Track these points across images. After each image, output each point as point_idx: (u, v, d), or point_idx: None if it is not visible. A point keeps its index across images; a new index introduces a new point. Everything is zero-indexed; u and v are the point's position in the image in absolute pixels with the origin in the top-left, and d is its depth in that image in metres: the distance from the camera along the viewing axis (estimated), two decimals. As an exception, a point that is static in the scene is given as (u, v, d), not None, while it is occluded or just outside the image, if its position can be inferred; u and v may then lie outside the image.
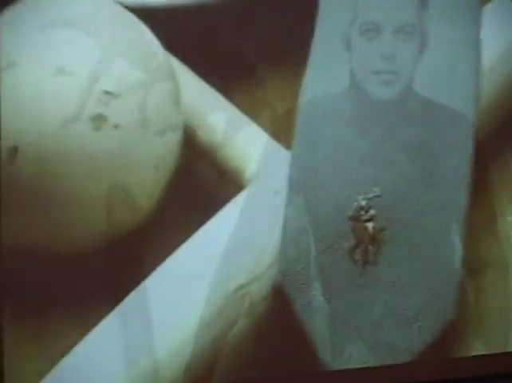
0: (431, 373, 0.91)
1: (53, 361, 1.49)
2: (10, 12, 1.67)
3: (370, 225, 1.69)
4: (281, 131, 1.73)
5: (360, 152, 1.67)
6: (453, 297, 1.57)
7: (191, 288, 1.55)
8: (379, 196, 1.68)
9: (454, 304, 1.53)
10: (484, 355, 0.93)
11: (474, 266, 1.45)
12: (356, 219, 1.68)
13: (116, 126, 1.57)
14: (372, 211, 1.69)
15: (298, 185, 1.66)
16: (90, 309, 1.55)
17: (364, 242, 1.68)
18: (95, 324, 1.51)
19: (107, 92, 1.57)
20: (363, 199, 1.70)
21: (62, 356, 1.48)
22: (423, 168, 1.67)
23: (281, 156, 1.71)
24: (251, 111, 1.74)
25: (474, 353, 0.94)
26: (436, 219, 1.66)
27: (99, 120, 1.54)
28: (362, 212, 1.69)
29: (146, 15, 1.65)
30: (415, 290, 1.62)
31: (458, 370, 0.82)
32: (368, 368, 1.15)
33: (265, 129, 1.74)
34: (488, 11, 1.63)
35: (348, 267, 1.64)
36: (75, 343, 1.49)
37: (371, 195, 1.69)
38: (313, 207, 1.65)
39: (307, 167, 1.67)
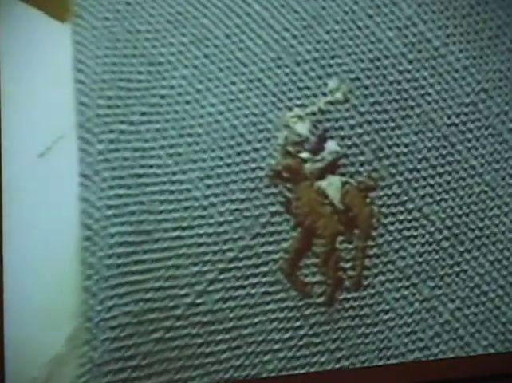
0: (431, 373, 0.66)
1: None
2: None
3: (333, 183, 0.65)
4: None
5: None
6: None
7: None
8: (344, 102, 0.65)
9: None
10: (484, 355, 0.68)
11: None
12: (290, 175, 0.64)
13: None
14: (331, 146, 0.65)
15: (112, 116, 0.62)
16: None
17: (323, 234, 0.64)
18: None
19: None
20: (298, 117, 0.64)
21: None
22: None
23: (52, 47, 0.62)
24: None
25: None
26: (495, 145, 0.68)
27: None
28: (305, 154, 0.65)
29: None
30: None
31: (458, 370, 0.67)
32: (368, 368, 0.65)
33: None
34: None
35: (289, 315, 0.64)
36: None
37: (320, 104, 0.65)
38: (167, 168, 0.62)
39: (134, 61, 0.63)
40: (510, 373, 0.70)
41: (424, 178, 0.65)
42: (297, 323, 0.63)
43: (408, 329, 0.65)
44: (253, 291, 0.62)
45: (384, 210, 0.65)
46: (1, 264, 0.59)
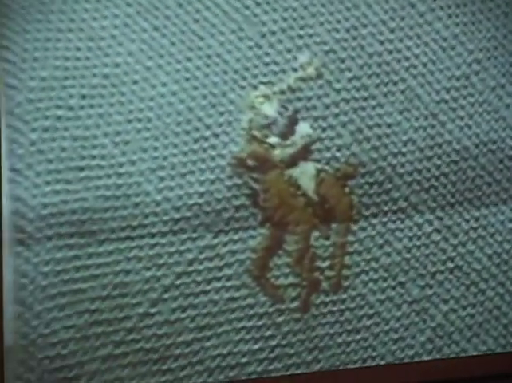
0: (431, 373, 0.68)
1: None
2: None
3: (307, 172, 0.62)
4: None
5: None
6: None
7: None
8: (317, 78, 0.61)
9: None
10: (484, 355, 0.69)
11: None
12: (256, 163, 0.60)
13: None
14: (303, 128, 0.61)
15: (46, 101, 0.56)
16: None
17: (295, 230, 0.61)
18: None
19: None
20: (264, 97, 0.60)
21: None
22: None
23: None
24: None
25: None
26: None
27: None
28: (273, 139, 0.60)
29: None
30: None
31: (459, 370, 0.69)
32: (368, 367, 0.64)
33: None
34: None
35: (258, 323, 0.59)
36: None
37: (290, 81, 0.61)
38: (113, 159, 0.57)
39: (70, 36, 0.57)
40: (510, 373, 0.70)
41: (411, 162, 0.62)
42: (268, 332, 0.59)
43: (396, 336, 0.60)
44: (216, 297, 0.58)
45: (365, 200, 0.62)
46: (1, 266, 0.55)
